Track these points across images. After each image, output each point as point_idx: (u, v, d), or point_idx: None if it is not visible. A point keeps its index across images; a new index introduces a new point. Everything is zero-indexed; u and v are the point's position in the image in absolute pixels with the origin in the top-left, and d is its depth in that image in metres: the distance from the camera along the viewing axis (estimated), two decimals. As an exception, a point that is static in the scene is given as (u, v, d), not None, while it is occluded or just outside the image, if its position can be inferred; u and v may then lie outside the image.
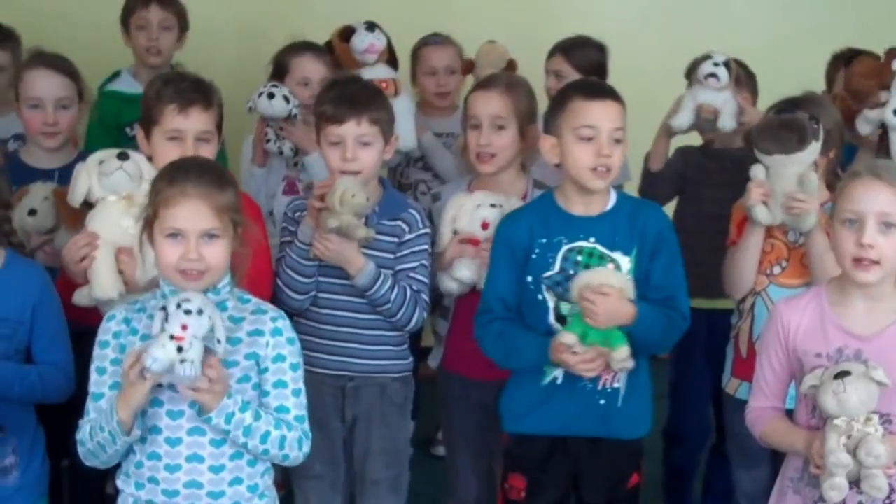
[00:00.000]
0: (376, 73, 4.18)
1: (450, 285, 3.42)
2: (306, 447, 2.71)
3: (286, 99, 4.03)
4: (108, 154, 3.23)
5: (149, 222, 2.66)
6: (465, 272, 3.39)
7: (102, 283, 3.07)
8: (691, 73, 4.00)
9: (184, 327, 2.47)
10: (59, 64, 3.65)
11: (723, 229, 3.60)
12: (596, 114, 3.09)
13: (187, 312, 2.48)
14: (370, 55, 4.36)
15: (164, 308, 2.51)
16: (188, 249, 2.59)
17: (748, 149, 3.54)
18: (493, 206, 3.41)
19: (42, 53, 3.70)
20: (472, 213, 3.41)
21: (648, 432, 3.25)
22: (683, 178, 4.14)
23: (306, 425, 2.71)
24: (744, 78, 4.08)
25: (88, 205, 3.20)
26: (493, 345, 3.18)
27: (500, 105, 3.48)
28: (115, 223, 3.08)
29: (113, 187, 3.14)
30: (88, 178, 3.18)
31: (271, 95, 4.01)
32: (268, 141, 4.07)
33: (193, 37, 4.56)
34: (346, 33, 4.39)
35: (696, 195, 4.09)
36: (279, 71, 4.24)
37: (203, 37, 4.68)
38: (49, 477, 3.05)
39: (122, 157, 3.18)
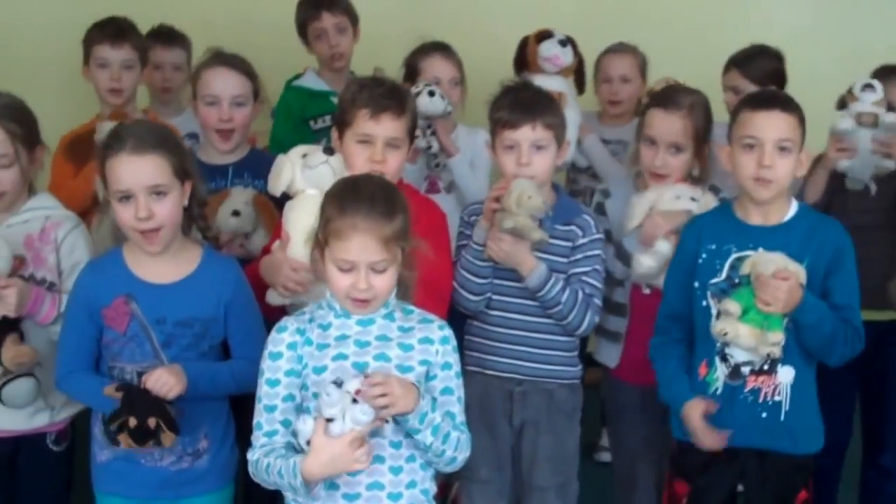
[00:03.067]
0: (548, 82, 4.18)
1: (648, 264, 3.41)
2: (469, 450, 2.76)
3: (442, 97, 4.07)
4: (313, 148, 3.32)
5: (319, 244, 2.70)
6: (666, 246, 3.38)
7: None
8: (842, 103, 3.91)
9: (357, 391, 2.54)
10: (237, 63, 3.74)
11: (870, 240, 3.57)
12: (759, 124, 3.07)
13: (366, 376, 2.56)
14: (550, 65, 4.46)
15: (335, 382, 2.56)
16: (358, 280, 2.62)
17: None
18: (692, 199, 3.42)
19: (221, 53, 3.79)
20: (671, 203, 3.42)
21: (819, 449, 3.21)
22: (830, 193, 3.99)
23: (467, 430, 2.76)
24: None
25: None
26: (653, 355, 3.25)
27: (679, 129, 3.49)
28: (314, 217, 3.12)
29: (315, 181, 3.19)
30: (292, 170, 3.26)
31: (431, 93, 4.04)
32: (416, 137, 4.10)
33: (362, 38, 4.66)
34: (543, 35, 4.49)
35: (843, 207, 3.89)
36: (410, 73, 4.28)
37: (372, 39, 4.75)
38: (238, 464, 3.13)
39: (328, 151, 3.26)
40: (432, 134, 4.07)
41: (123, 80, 4.08)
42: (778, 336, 2.99)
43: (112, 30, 4.10)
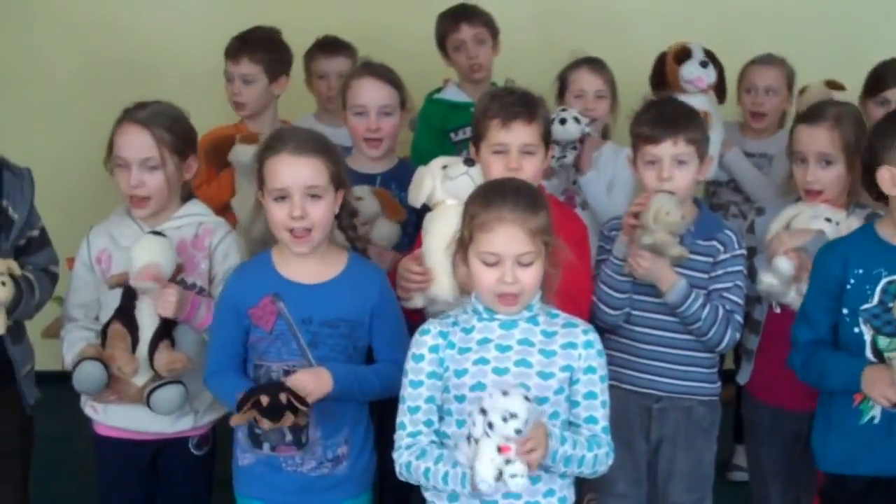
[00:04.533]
0: (692, 101, 4.15)
1: (768, 281, 3.36)
2: (611, 459, 2.75)
3: (577, 120, 4.04)
4: (454, 159, 3.36)
5: (462, 244, 2.72)
6: (784, 264, 3.33)
7: (441, 285, 3.17)
8: None
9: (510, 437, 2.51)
10: (383, 73, 3.77)
11: None
12: None
13: (517, 431, 2.50)
14: (693, 87, 4.41)
15: (483, 412, 2.52)
16: (504, 273, 2.64)
17: None
18: (827, 220, 3.35)
19: (368, 63, 3.84)
20: (807, 222, 3.37)
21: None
22: None
23: (610, 437, 2.75)
24: None
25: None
26: (804, 373, 3.12)
27: (826, 141, 3.43)
28: (454, 228, 3.13)
29: (455, 192, 3.22)
30: (432, 181, 3.31)
31: (563, 121, 4.01)
32: (552, 157, 3.97)
33: (503, 51, 4.67)
34: (682, 55, 4.45)
35: None
36: (562, 87, 4.31)
37: (513, 52, 4.77)
38: (375, 471, 3.15)
39: (469, 163, 3.30)
40: (573, 148, 4.06)
41: (244, 94, 4.24)
42: None
43: (233, 45, 4.29)
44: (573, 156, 4.06)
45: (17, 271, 3.11)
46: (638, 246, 3.21)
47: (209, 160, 4.02)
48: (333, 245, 3.07)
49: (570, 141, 4.03)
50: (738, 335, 3.35)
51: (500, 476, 2.51)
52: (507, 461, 2.51)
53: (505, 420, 2.49)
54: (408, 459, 2.70)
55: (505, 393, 2.53)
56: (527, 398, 2.53)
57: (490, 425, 2.51)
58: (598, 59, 4.34)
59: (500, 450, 2.50)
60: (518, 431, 2.50)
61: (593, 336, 2.75)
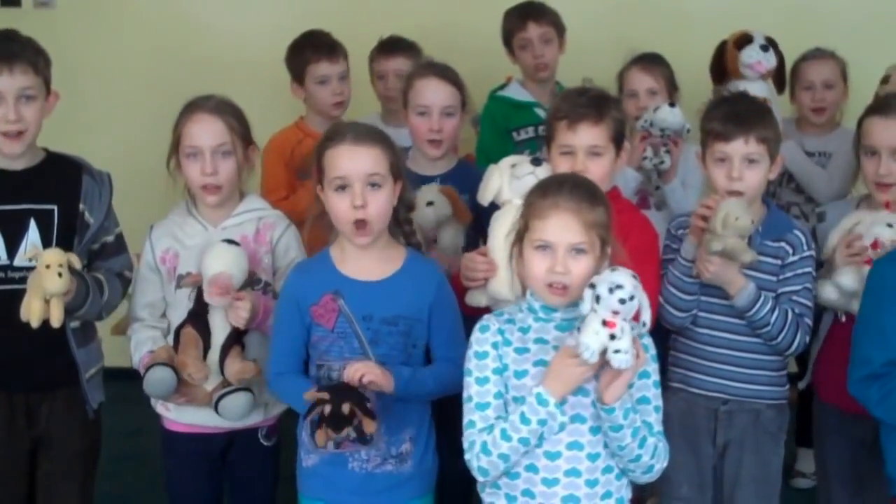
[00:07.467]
0: (751, 88, 4.14)
1: (829, 293, 3.33)
2: (666, 460, 2.72)
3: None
4: (523, 158, 3.36)
5: (519, 235, 2.71)
6: (846, 279, 3.29)
7: (502, 281, 3.15)
8: None
9: (615, 313, 2.50)
10: (447, 73, 3.77)
11: None
12: None
13: (621, 301, 2.50)
14: (752, 72, 4.39)
15: (592, 286, 2.54)
16: (556, 262, 2.62)
17: None
18: (889, 225, 3.30)
19: (432, 63, 3.85)
20: (868, 228, 3.32)
21: None
22: None
23: (665, 442, 2.71)
24: None
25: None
26: (881, 409, 2.95)
27: None
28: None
29: (521, 191, 3.17)
30: (500, 180, 3.31)
31: (672, 104, 4.02)
32: (644, 158, 4.03)
33: (568, 48, 4.67)
34: (743, 40, 4.45)
35: None
36: (619, 88, 4.31)
37: (579, 49, 4.75)
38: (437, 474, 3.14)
39: (536, 162, 3.30)
40: (667, 152, 4.02)
41: (346, 92, 4.33)
42: None
43: (323, 47, 4.35)
44: (670, 159, 4.03)
45: (77, 265, 3.11)
46: (706, 251, 3.16)
47: (291, 172, 4.06)
48: (392, 241, 3.08)
49: (670, 128, 4.00)
50: (807, 338, 3.29)
51: (604, 352, 2.50)
52: (612, 336, 2.49)
53: (611, 291, 2.50)
54: (479, 444, 2.65)
55: (613, 269, 2.54)
56: (634, 277, 2.54)
57: (597, 298, 2.51)
58: (650, 56, 4.33)
59: (605, 324, 2.50)
60: (622, 301, 2.49)
61: (647, 341, 2.71)
